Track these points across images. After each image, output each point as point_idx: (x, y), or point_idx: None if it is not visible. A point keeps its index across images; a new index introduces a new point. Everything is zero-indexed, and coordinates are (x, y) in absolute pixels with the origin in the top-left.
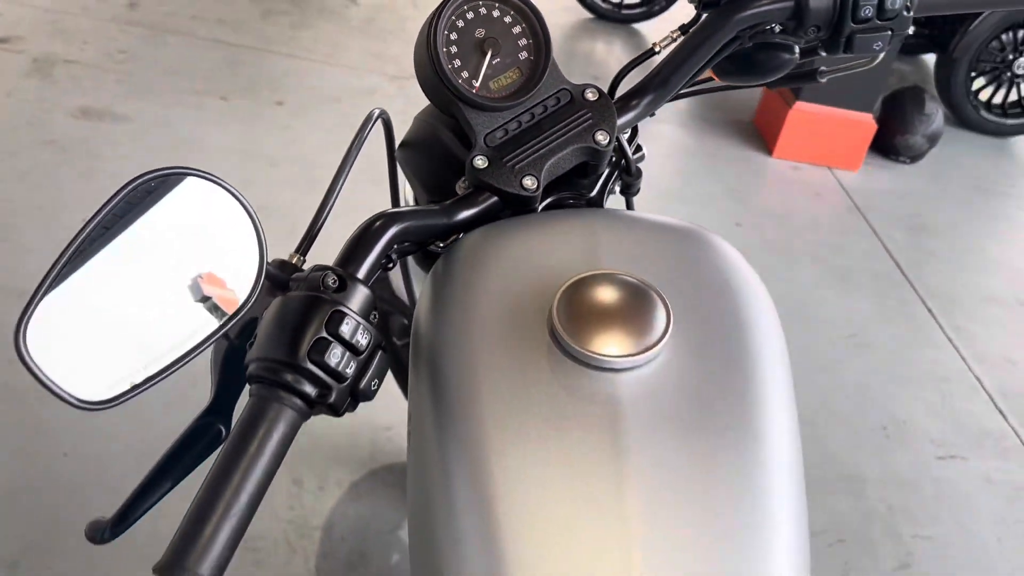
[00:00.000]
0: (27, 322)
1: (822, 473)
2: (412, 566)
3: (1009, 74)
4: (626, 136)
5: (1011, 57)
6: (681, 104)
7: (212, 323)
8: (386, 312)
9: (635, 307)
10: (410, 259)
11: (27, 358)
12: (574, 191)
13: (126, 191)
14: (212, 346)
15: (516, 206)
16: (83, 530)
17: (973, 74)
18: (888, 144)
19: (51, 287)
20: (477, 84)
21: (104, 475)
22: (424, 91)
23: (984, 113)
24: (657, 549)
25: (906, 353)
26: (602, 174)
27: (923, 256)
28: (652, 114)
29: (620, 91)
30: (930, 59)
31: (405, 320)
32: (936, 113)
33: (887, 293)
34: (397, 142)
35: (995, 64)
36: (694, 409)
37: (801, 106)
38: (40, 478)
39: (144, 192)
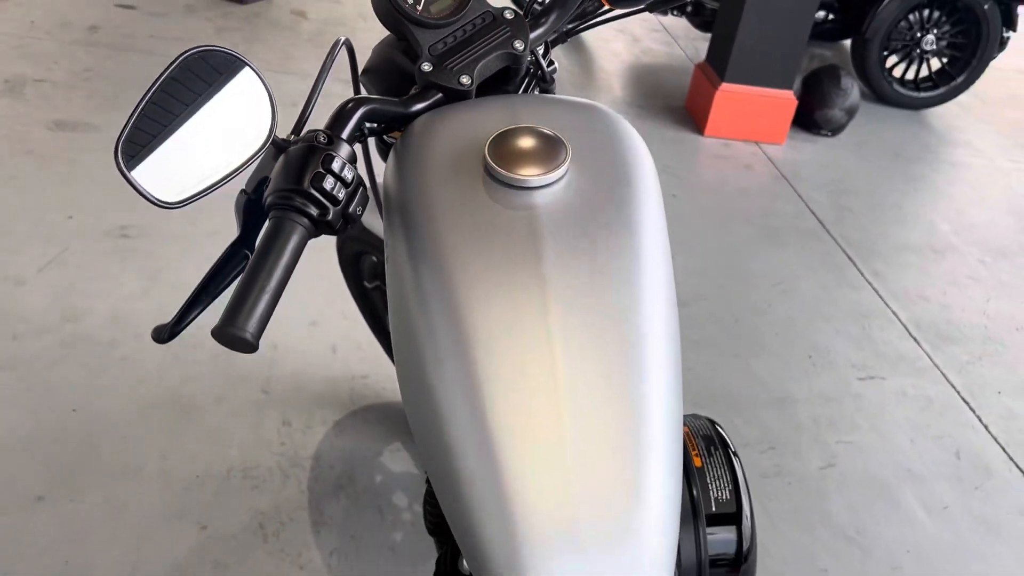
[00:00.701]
0: (120, 143)
1: (754, 395)
2: (400, 374)
3: (918, 51)
4: (540, 51)
5: (919, 35)
6: (617, 92)
7: (239, 160)
8: (359, 253)
9: (544, 146)
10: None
11: (123, 168)
12: (501, 92)
13: (183, 57)
14: (235, 199)
15: (456, 99)
16: (149, 334)
17: (885, 53)
18: (810, 119)
19: (134, 122)
20: (420, 8)
21: (109, 426)
22: (379, 18)
23: (898, 88)
24: (567, 303)
25: (830, 295)
26: (523, 79)
27: (844, 214)
28: (564, 39)
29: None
30: (849, 44)
31: (375, 258)
32: (852, 88)
33: (812, 247)
34: (361, 68)
35: (905, 42)
36: (587, 213)
37: (727, 87)
38: (54, 430)
39: (198, 61)
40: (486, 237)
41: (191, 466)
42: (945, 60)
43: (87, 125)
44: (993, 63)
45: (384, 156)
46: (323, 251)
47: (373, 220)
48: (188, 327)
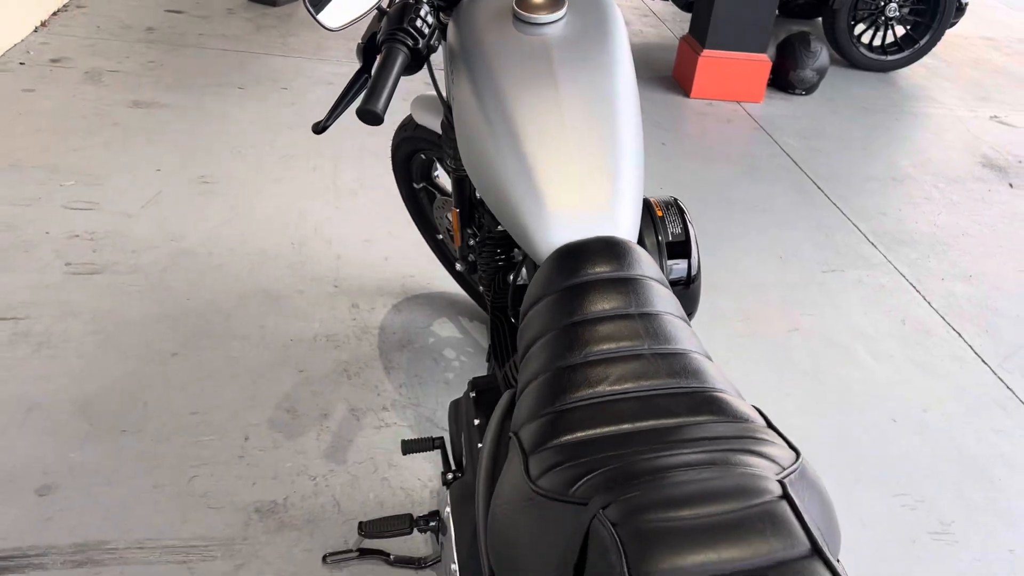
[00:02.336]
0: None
1: (733, 283)
2: (463, 143)
3: (883, 18)
4: None
5: (883, 4)
6: None
7: (366, 7)
8: (411, 154)
9: (552, 6)
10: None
11: (309, 8)
12: None
13: None
14: (356, 48)
15: None
16: (310, 128)
17: (853, 21)
18: (785, 81)
19: None
20: None
21: (216, 309)
22: None
23: (866, 53)
24: (568, 83)
25: (799, 213)
26: None
27: (815, 154)
28: None
29: None
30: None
31: (423, 155)
32: (821, 50)
33: (785, 179)
34: None
35: (870, 11)
36: (579, 38)
37: (708, 53)
38: (175, 312)
39: None
40: (516, 52)
41: (285, 334)
42: (908, 26)
43: (159, 103)
44: (957, 31)
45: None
46: (370, 192)
47: (428, 118)
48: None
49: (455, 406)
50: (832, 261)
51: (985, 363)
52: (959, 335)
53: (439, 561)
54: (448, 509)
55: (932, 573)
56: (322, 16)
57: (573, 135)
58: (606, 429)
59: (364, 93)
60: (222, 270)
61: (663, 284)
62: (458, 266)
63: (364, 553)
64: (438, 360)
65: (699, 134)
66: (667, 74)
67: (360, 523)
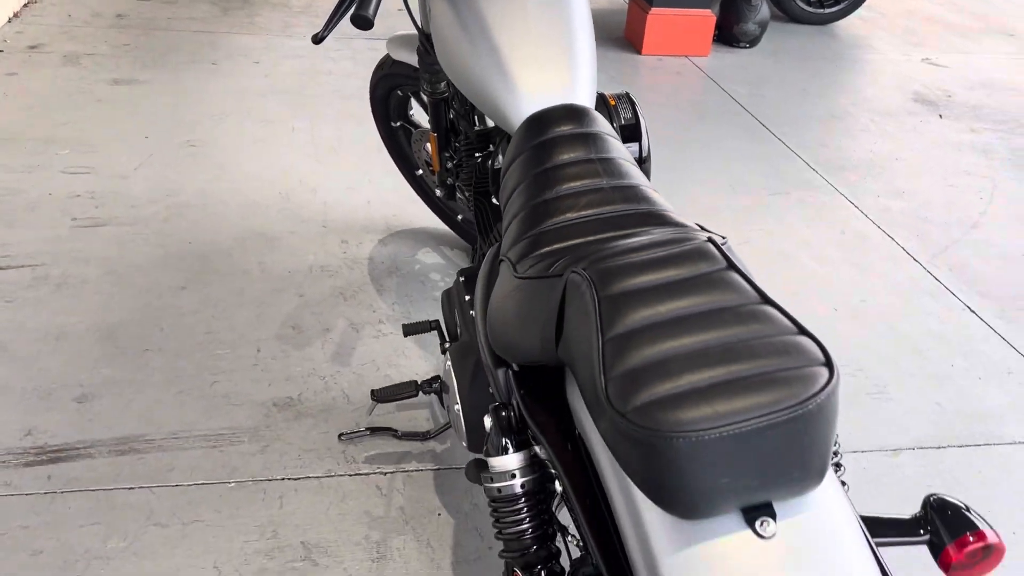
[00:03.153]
0: None
1: (687, 210)
2: (439, 44)
3: None
4: None
5: None
6: None
7: None
8: (389, 91)
9: None
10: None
11: None
12: None
13: None
14: None
15: None
16: (309, 38)
17: None
18: (729, 35)
19: None
20: None
21: (217, 250)
22: None
23: (804, 7)
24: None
25: (747, 149)
26: None
27: (760, 99)
28: None
29: None
30: None
31: (400, 92)
32: (761, 4)
33: (733, 121)
34: None
35: None
36: None
37: (656, 11)
38: (179, 253)
39: None
40: None
41: (282, 267)
42: None
43: (138, 80)
44: None
45: None
46: (348, 148)
47: (404, 54)
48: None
49: (446, 294)
50: (777, 186)
51: (916, 260)
52: (893, 239)
53: (443, 431)
54: (448, 364)
55: (874, 421)
56: None
57: (534, 23)
58: (577, 240)
59: (356, 3)
60: (218, 218)
61: (616, 138)
62: (438, 192)
63: (374, 430)
64: (425, 283)
65: (652, 87)
66: (619, 35)
67: (372, 390)
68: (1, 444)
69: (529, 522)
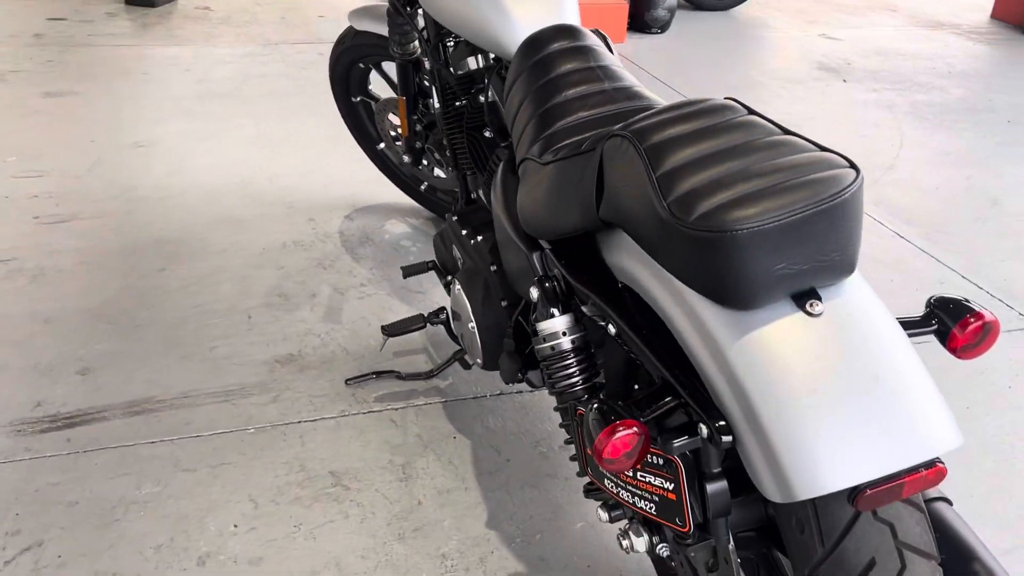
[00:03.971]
0: None
1: None
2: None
3: None
4: None
5: None
6: None
7: None
8: (349, 66)
9: None
10: None
11: None
12: None
13: None
14: None
15: None
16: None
17: None
18: (641, 21)
19: None
20: None
21: (189, 234)
22: None
23: None
24: None
25: None
26: None
27: (677, 76)
28: None
29: None
30: None
31: (361, 64)
32: None
33: (659, 95)
34: None
35: None
36: None
37: None
38: (152, 239)
39: None
40: None
41: (256, 245)
42: None
43: (72, 92)
44: None
45: None
46: (297, 139)
47: (367, 23)
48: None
49: (439, 236)
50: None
51: None
52: None
53: (444, 368)
54: (458, 289)
55: None
56: None
57: None
58: (591, 132)
59: None
60: (183, 208)
61: (608, 49)
62: (405, 158)
63: (379, 374)
64: (398, 249)
65: None
66: None
67: (383, 326)
68: (13, 416)
69: (580, 373)
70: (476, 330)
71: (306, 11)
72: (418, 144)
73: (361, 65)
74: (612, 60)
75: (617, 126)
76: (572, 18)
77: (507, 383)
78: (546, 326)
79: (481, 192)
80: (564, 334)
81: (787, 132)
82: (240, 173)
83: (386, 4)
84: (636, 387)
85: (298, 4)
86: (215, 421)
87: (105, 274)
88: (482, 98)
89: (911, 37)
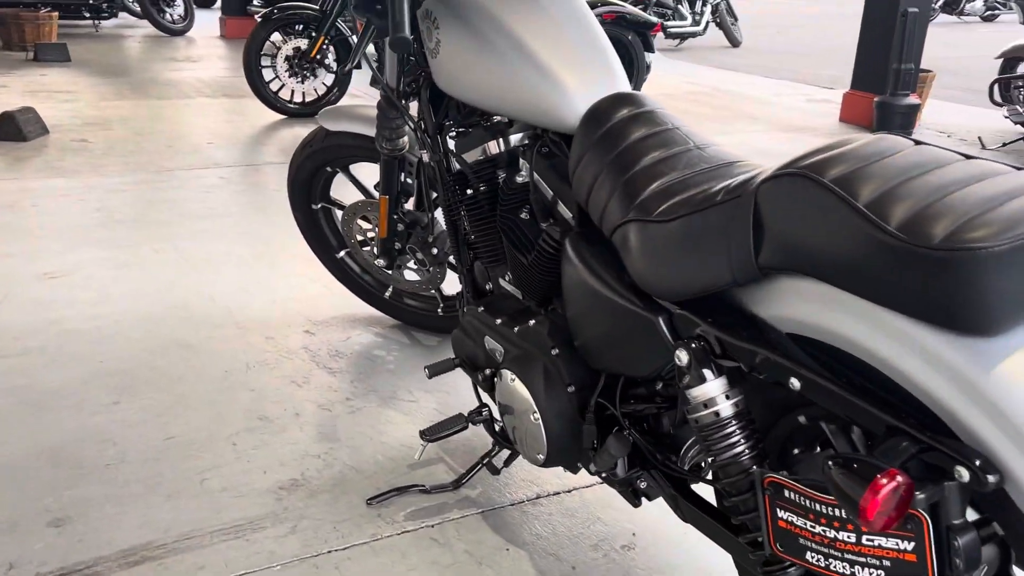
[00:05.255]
0: None
1: None
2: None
3: None
4: None
5: None
6: None
7: None
8: (315, 171)
9: None
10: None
11: None
12: None
13: None
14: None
15: None
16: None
17: None
18: None
19: None
20: None
21: (141, 363)
22: None
23: None
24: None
25: None
26: None
27: None
28: None
29: None
30: None
31: (329, 168)
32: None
33: None
34: None
35: None
36: None
37: None
38: (97, 373)
39: None
40: None
41: (216, 368)
42: None
43: None
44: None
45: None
46: (222, 259)
47: (344, 123)
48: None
49: (461, 332)
50: None
51: None
52: None
53: (470, 475)
54: (512, 379)
55: None
56: None
57: (563, 28)
58: (702, 188)
59: (389, 28)
60: (121, 337)
61: (666, 111)
62: (379, 262)
63: (401, 490)
64: (373, 360)
65: None
66: None
67: (421, 432)
68: None
69: (747, 439)
70: (541, 422)
71: (192, 138)
72: (398, 245)
73: (328, 169)
74: (680, 121)
75: (773, 168)
76: (624, 84)
77: (595, 473)
78: (703, 392)
79: (507, 278)
80: (727, 397)
81: (970, 157)
82: (175, 296)
83: (359, 104)
84: (796, 450)
85: (181, 132)
86: (233, 561)
87: (51, 414)
88: (519, 179)
89: (779, 140)
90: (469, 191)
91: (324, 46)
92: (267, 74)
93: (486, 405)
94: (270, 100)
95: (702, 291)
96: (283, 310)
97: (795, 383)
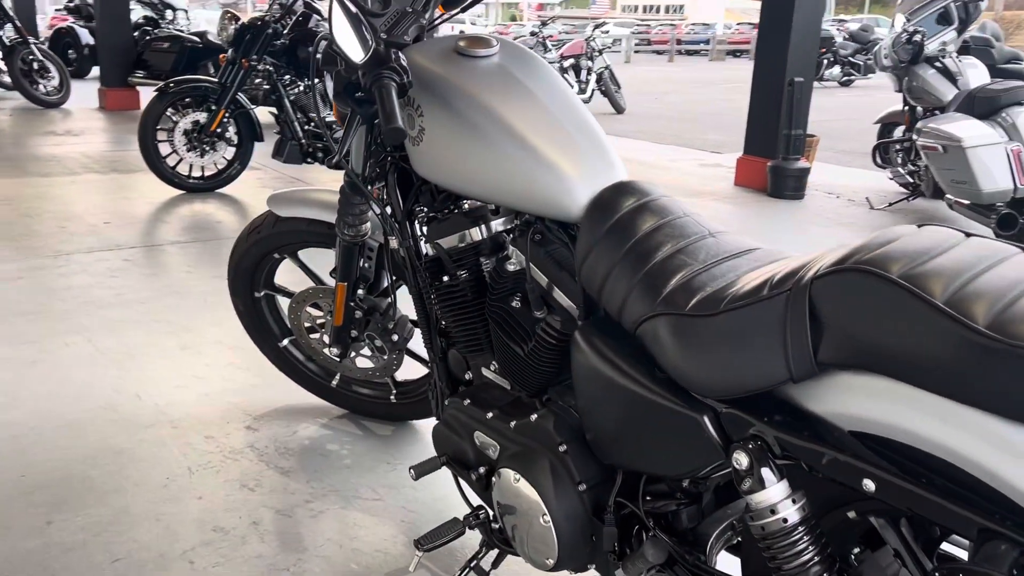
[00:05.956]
0: None
1: None
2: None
3: None
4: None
5: None
6: None
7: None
8: (260, 258)
9: (488, 41)
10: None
11: None
12: None
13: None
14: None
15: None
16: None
17: None
18: None
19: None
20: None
21: (73, 475)
22: None
23: None
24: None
25: None
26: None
27: None
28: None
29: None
30: None
31: (277, 255)
32: None
33: None
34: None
35: None
36: (520, 59)
37: None
38: (20, 489)
39: None
40: (482, 75)
41: (157, 475)
42: None
43: None
44: None
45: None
46: (143, 351)
47: (298, 209)
48: None
49: (445, 426)
50: None
51: None
52: None
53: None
54: (515, 479)
55: None
56: None
57: (556, 116)
58: (749, 271)
59: (381, 118)
60: (41, 446)
61: (672, 198)
62: (331, 351)
63: None
64: (327, 455)
65: None
66: None
67: (415, 541)
68: None
69: (814, 545)
70: (552, 524)
71: (86, 218)
72: (354, 332)
73: (276, 255)
74: (688, 207)
75: (825, 263)
76: (622, 171)
77: None
78: (766, 497)
79: (492, 367)
80: (793, 501)
81: (1021, 247)
82: (96, 396)
83: (309, 188)
84: (857, 550)
85: (73, 212)
86: None
87: None
88: (511, 267)
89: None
90: (445, 278)
91: (225, 119)
92: (163, 148)
93: (482, 507)
94: (167, 175)
95: (755, 389)
96: (219, 404)
97: (869, 484)
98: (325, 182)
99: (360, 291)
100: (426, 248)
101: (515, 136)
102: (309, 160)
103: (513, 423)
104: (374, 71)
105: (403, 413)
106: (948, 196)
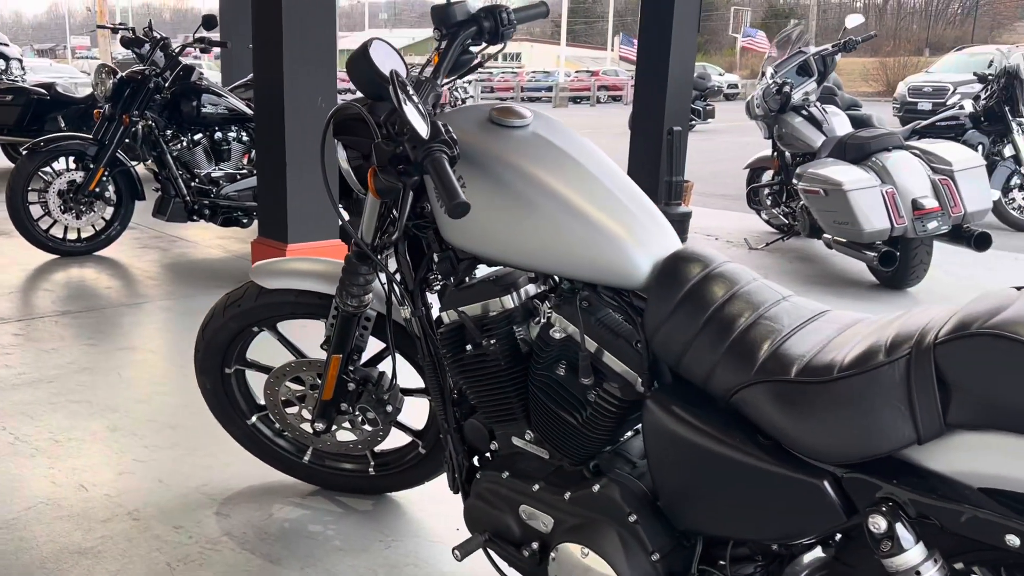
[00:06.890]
0: None
1: None
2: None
3: None
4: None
5: None
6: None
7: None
8: (237, 333)
9: (520, 112)
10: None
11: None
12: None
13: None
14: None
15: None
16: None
17: None
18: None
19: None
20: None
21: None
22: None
23: None
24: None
25: None
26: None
27: None
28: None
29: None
30: None
31: (256, 328)
32: None
33: None
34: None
35: None
36: (555, 129)
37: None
38: None
39: None
40: (521, 145)
41: (135, 574)
42: None
43: None
44: None
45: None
46: (76, 440)
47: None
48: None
49: (481, 500)
50: None
51: None
52: None
53: None
54: (577, 556)
55: None
56: None
57: (611, 186)
58: (847, 334)
59: (441, 196)
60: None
61: (731, 261)
62: (317, 425)
63: None
64: (313, 537)
65: None
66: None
67: None
68: None
69: None
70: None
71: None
72: (344, 406)
73: (255, 329)
74: (754, 273)
75: (949, 328)
76: (673, 235)
77: None
78: (906, 560)
79: (525, 437)
80: (934, 562)
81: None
82: (34, 491)
83: (292, 258)
84: None
85: None
86: None
87: None
88: (556, 334)
89: None
90: (468, 347)
91: (104, 178)
92: (35, 210)
93: None
94: (39, 239)
95: (879, 452)
96: (177, 490)
97: (1013, 540)
98: (209, 239)
99: (352, 362)
100: (444, 316)
101: (570, 205)
102: (194, 218)
103: (567, 494)
104: (424, 144)
105: (383, 485)
106: (826, 236)
